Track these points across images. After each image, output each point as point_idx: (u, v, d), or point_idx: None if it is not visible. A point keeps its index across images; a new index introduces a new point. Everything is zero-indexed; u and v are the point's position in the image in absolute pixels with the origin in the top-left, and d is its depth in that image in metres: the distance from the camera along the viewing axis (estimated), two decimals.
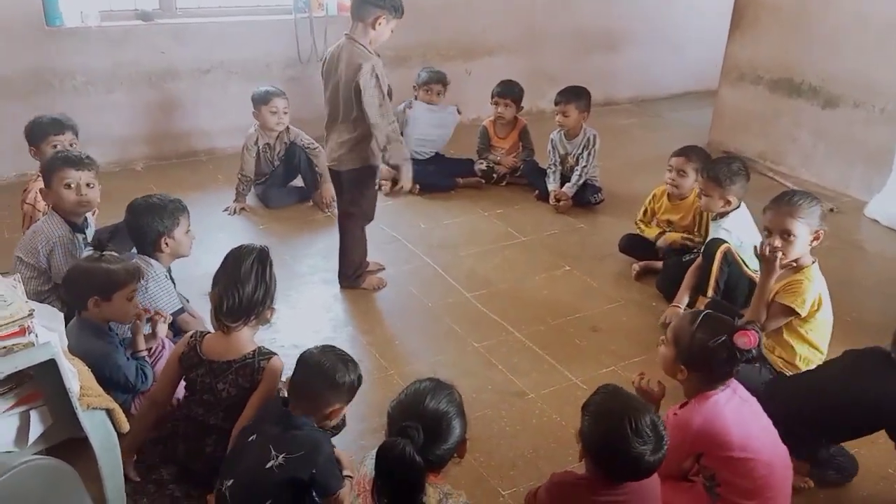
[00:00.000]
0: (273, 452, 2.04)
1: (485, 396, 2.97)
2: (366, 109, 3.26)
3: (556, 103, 4.71)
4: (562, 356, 3.24)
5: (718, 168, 3.44)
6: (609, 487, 1.94)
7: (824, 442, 2.57)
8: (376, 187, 3.55)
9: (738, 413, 2.20)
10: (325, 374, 2.16)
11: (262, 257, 2.37)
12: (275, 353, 2.39)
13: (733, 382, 2.26)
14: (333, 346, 2.31)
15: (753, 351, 2.13)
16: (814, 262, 2.79)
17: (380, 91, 3.27)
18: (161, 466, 2.45)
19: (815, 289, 2.73)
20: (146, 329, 2.77)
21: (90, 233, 3.23)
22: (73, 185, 3.04)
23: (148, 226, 2.95)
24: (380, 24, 3.28)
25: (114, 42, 4.98)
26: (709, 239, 3.51)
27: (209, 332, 2.46)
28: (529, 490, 2.23)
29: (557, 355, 3.24)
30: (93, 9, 4.92)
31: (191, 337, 2.43)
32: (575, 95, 4.68)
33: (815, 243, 2.75)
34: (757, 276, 3.29)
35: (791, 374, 2.83)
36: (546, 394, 2.99)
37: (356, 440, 2.65)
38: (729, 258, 3.33)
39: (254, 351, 2.37)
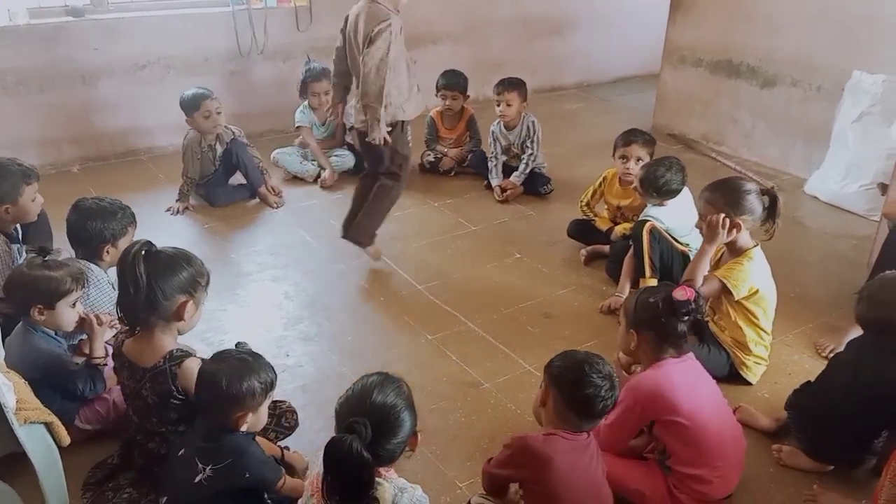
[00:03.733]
0: (200, 465, 1.99)
1: (439, 388, 2.96)
2: (365, 58, 3.19)
3: (498, 93, 4.68)
4: (515, 344, 3.24)
5: (650, 182, 3.44)
6: (564, 439, 2.02)
7: (866, 437, 2.46)
8: (409, 144, 3.52)
9: (688, 381, 2.28)
10: (217, 387, 2.01)
11: (141, 255, 2.12)
12: (189, 355, 2.21)
13: (691, 358, 2.33)
14: (232, 351, 2.12)
15: (692, 304, 2.27)
16: (755, 246, 2.84)
17: (386, 47, 3.21)
18: (119, 472, 2.39)
19: (753, 272, 2.78)
20: (83, 336, 2.68)
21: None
22: None
23: (94, 229, 2.84)
24: None
25: (45, 40, 4.81)
26: (633, 225, 3.57)
27: None
28: (484, 463, 2.22)
29: (511, 343, 3.25)
30: (21, 6, 4.74)
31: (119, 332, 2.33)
32: (515, 84, 4.66)
33: (734, 232, 2.76)
34: (688, 250, 3.44)
35: (745, 356, 2.90)
36: (500, 382, 2.99)
37: (310, 441, 2.61)
38: (656, 234, 3.39)
39: (164, 357, 2.20)
